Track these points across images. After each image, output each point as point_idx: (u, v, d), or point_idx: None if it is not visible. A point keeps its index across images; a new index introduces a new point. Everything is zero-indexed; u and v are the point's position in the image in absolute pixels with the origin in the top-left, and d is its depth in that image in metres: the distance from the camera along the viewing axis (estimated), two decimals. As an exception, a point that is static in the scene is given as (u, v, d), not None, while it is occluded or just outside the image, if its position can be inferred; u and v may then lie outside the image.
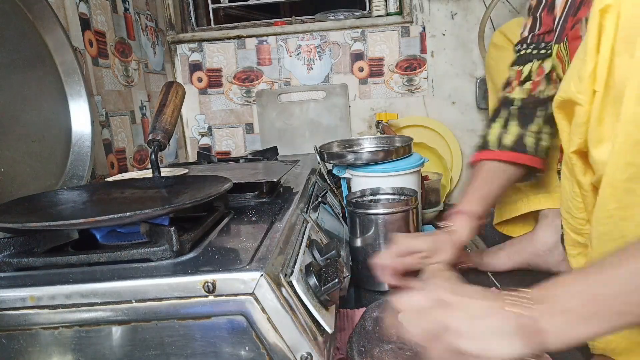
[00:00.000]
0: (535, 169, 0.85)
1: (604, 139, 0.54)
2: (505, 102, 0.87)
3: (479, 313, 0.47)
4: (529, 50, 0.86)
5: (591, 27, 0.53)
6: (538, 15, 0.84)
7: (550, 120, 0.85)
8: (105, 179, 0.90)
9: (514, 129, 0.84)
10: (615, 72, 0.52)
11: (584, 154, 0.60)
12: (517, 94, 0.85)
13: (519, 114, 0.84)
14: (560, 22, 0.76)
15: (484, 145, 0.87)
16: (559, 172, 0.92)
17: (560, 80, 0.83)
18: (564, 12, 0.76)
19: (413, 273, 0.77)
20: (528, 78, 0.85)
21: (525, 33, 0.87)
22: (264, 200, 0.75)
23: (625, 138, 0.51)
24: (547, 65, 0.83)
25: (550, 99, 0.83)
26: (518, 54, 0.88)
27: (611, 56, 0.52)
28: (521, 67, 0.86)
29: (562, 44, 0.75)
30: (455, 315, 0.47)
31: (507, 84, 0.88)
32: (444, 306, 0.48)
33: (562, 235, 0.88)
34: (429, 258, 0.77)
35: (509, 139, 0.83)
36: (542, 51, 0.84)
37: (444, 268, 0.75)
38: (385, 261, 0.76)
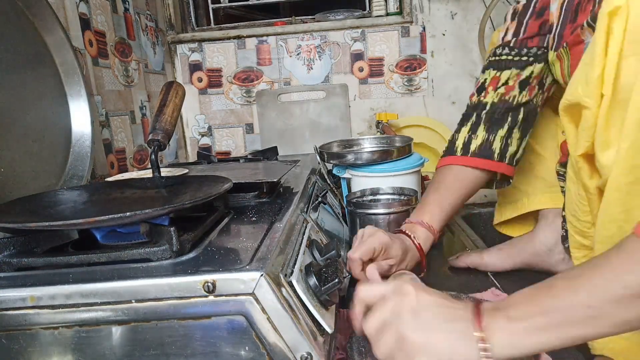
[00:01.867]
0: (503, 175, 0.85)
1: (611, 143, 0.54)
2: (477, 106, 0.86)
3: (426, 306, 0.48)
4: (509, 57, 0.84)
5: (599, 30, 0.53)
6: (525, 20, 0.83)
7: (520, 126, 0.83)
8: (105, 179, 0.90)
9: (481, 134, 0.83)
10: (623, 75, 0.52)
11: (590, 158, 0.60)
12: (491, 97, 0.84)
13: (489, 119, 0.83)
14: (558, 30, 0.76)
15: (450, 151, 0.86)
16: (557, 173, 0.92)
17: (540, 85, 0.83)
18: (560, 20, 0.75)
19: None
20: (505, 83, 0.83)
21: (508, 37, 0.85)
22: (264, 200, 0.75)
23: (631, 141, 0.51)
24: (525, 72, 0.82)
25: (521, 105, 0.83)
26: (498, 57, 0.86)
27: (619, 59, 0.52)
28: (499, 73, 0.84)
29: (561, 49, 0.75)
30: (408, 304, 0.48)
31: (481, 88, 0.86)
32: (400, 294, 0.50)
33: (562, 236, 0.88)
34: (398, 265, 0.77)
35: (475, 144, 0.83)
36: (524, 58, 0.82)
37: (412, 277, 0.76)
38: (363, 257, 0.74)
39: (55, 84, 0.88)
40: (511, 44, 0.85)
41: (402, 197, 0.96)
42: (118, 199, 0.66)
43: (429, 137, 1.56)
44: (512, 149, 0.83)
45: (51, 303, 0.45)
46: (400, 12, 1.57)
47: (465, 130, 0.86)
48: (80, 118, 0.90)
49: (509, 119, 0.83)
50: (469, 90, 1.59)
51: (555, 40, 0.76)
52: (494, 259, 0.96)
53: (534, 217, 0.99)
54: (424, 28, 1.57)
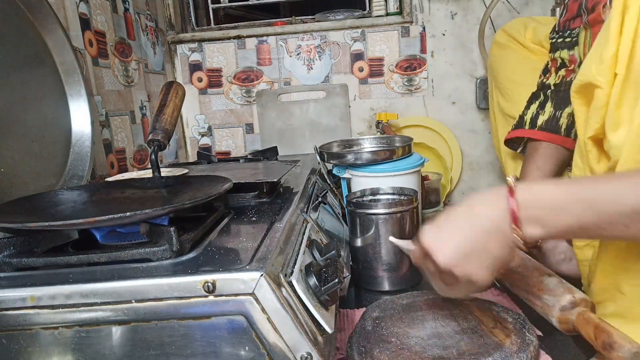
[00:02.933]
0: (567, 150, 0.88)
1: (622, 123, 0.54)
2: (542, 87, 0.90)
3: (453, 217, 0.54)
4: (558, 40, 0.89)
5: (615, 9, 0.53)
6: (566, 2, 0.86)
7: None
8: (105, 179, 0.90)
9: (549, 110, 0.87)
10: (637, 54, 0.52)
11: (599, 141, 0.60)
12: (553, 79, 0.89)
13: (555, 97, 0.87)
14: (584, 4, 0.77)
15: (519, 124, 0.91)
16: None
17: None
18: None
19: None
20: (562, 65, 0.87)
21: (558, 21, 0.90)
22: (264, 200, 0.75)
23: None
24: (577, 53, 0.85)
25: None
26: (550, 42, 0.91)
27: (634, 38, 0.52)
28: (554, 54, 0.89)
29: (585, 24, 0.76)
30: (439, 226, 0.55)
31: (545, 70, 0.91)
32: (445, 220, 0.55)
33: None
34: None
35: (542, 119, 0.87)
36: (568, 39, 0.86)
37: None
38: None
39: (55, 84, 0.88)
40: (557, 27, 0.89)
41: (402, 197, 0.96)
42: (118, 199, 0.66)
43: (429, 137, 1.56)
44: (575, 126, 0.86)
45: (51, 303, 0.45)
46: (400, 12, 1.57)
47: (534, 107, 0.90)
48: (80, 118, 0.90)
49: None
50: (469, 90, 1.60)
51: (585, 14, 0.78)
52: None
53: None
54: (424, 28, 1.57)
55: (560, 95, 0.87)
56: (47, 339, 0.46)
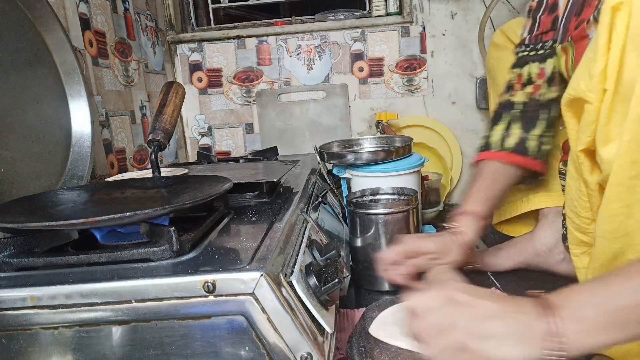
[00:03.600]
0: (536, 172, 0.86)
1: (612, 138, 0.54)
2: (507, 105, 0.87)
3: (492, 314, 0.47)
4: (526, 52, 0.86)
5: (602, 25, 0.53)
6: (538, 17, 0.85)
7: (552, 123, 0.85)
8: (105, 179, 0.90)
9: (516, 131, 0.84)
10: (625, 70, 0.52)
11: (591, 153, 0.60)
12: (519, 97, 0.86)
13: (522, 117, 0.85)
14: (563, 23, 0.76)
15: (486, 146, 0.87)
16: (560, 172, 0.92)
17: (562, 79, 0.83)
18: (566, 12, 0.76)
19: (417, 275, 0.78)
20: (529, 81, 0.85)
21: (524, 34, 0.88)
22: (264, 200, 0.75)
23: (632, 136, 0.51)
24: (548, 67, 0.83)
25: (553, 101, 0.84)
26: (517, 56, 0.88)
27: (622, 54, 0.52)
28: (520, 70, 0.86)
29: (566, 42, 0.75)
30: (467, 314, 0.47)
31: (509, 87, 0.88)
32: (454, 304, 0.48)
33: (562, 235, 0.88)
34: (437, 259, 0.77)
35: (511, 141, 0.84)
36: (540, 52, 0.84)
37: (449, 270, 0.76)
38: (390, 258, 0.77)
39: (55, 84, 0.88)
40: (526, 41, 0.87)
41: (403, 197, 0.96)
42: (118, 199, 0.66)
43: (429, 137, 1.56)
44: (545, 147, 0.84)
45: (51, 303, 0.45)
46: (400, 12, 1.57)
47: (499, 128, 0.87)
48: (80, 118, 0.90)
49: (543, 115, 0.84)
50: (469, 90, 1.60)
51: (560, 32, 0.77)
52: (494, 259, 0.96)
53: (534, 217, 0.99)
54: (424, 28, 1.57)
55: (528, 115, 0.84)
56: (47, 339, 0.46)
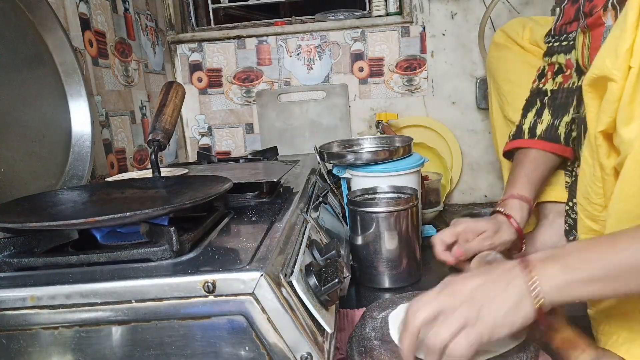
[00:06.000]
0: (566, 158, 0.88)
1: (635, 118, 0.53)
2: (538, 93, 0.89)
3: (478, 284, 0.51)
4: (553, 43, 0.88)
5: (631, 3, 0.53)
6: (563, 7, 0.86)
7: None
8: (105, 179, 0.90)
9: (547, 118, 0.86)
10: None
11: (609, 136, 0.60)
12: (550, 85, 0.88)
13: (552, 104, 0.86)
14: (582, 9, 0.76)
15: (517, 134, 0.89)
16: (565, 169, 0.92)
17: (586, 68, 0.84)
18: None
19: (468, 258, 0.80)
20: (560, 70, 0.87)
21: (554, 24, 0.90)
22: (264, 200, 0.75)
23: None
24: (574, 57, 0.84)
25: (581, 88, 0.84)
26: (547, 45, 0.90)
27: None
28: (550, 59, 0.89)
29: (583, 27, 0.75)
30: (458, 294, 0.51)
31: (541, 74, 0.90)
32: (446, 293, 0.52)
33: (565, 230, 0.88)
34: (490, 239, 0.79)
35: (541, 128, 0.86)
36: (565, 43, 0.86)
37: (496, 253, 0.79)
38: (446, 239, 0.79)
39: (55, 84, 0.88)
40: (552, 32, 0.89)
41: (402, 196, 0.96)
42: (118, 199, 0.66)
43: (429, 137, 1.56)
44: (574, 134, 0.85)
45: (51, 303, 0.45)
46: (400, 12, 1.57)
47: (530, 115, 0.89)
48: (80, 118, 0.90)
49: (572, 101, 0.85)
50: (469, 90, 1.60)
51: (582, 19, 0.77)
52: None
53: (534, 217, 0.99)
54: (424, 28, 1.57)
55: (557, 102, 0.86)
56: (47, 339, 0.46)
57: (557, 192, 0.93)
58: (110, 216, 0.48)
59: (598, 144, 0.62)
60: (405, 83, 1.61)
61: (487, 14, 1.44)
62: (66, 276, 0.47)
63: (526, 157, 0.88)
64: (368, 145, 1.23)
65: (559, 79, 0.87)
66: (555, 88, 0.87)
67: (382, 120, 1.53)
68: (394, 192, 0.99)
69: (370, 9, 1.64)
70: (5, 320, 0.45)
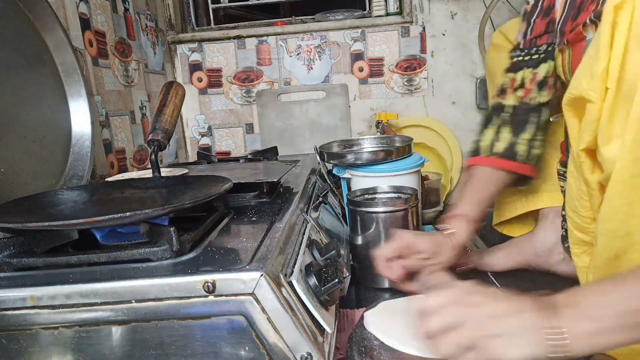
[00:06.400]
0: (525, 176, 0.86)
1: (615, 137, 0.54)
2: (497, 109, 0.87)
3: (499, 313, 0.48)
4: (520, 58, 0.86)
5: (605, 24, 0.53)
6: (532, 20, 0.84)
7: (543, 127, 0.85)
8: (105, 179, 0.90)
9: (505, 136, 0.85)
10: (628, 69, 0.52)
11: (592, 152, 0.60)
12: (510, 100, 0.86)
13: (512, 121, 0.85)
14: (559, 26, 0.76)
15: (476, 151, 0.87)
16: (558, 173, 0.92)
17: (555, 83, 0.83)
18: (563, 15, 0.76)
19: (408, 275, 0.78)
20: (521, 85, 0.85)
21: (519, 38, 0.87)
22: (264, 200, 0.75)
23: (635, 134, 0.51)
24: (541, 72, 0.83)
25: (543, 105, 0.84)
26: (512, 60, 0.88)
27: (624, 53, 0.52)
28: (514, 75, 0.86)
29: (562, 45, 0.75)
30: (475, 313, 0.48)
31: (502, 91, 0.88)
32: (463, 304, 0.49)
33: (562, 235, 0.88)
34: (429, 259, 0.78)
35: (500, 146, 0.84)
36: (535, 56, 0.84)
37: (441, 271, 0.76)
38: (385, 254, 0.77)
39: (55, 84, 0.88)
40: (521, 45, 0.87)
41: (403, 196, 0.96)
42: (118, 199, 0.66)
43: (429, 137, 1.56)
44: (535, 151, 0.84)
45: (51, 303, 0.45)
46: (400, 12, 1.57)
47: (489, 132, 0.87)
48: (80, 118, 0.90)
49: (533, 119, 0.84)
50: (469, 90, 1.60)
51: (558, 36, 0.77)
52: (494, 259, 0.96)
53: (533, 217, 0.99)
54: (424, 28, 1.57)
55: (518, 119, 0.85)
56: (47, 339, 0.46)
57: (553, 198, 0.93)
58: (110, 216, 0.48)
59: (581, 161, 0.62)
60: (405, 83, 1.61)
61: (487, 14, 1.44)
62: (66, 276, 0.47)
63: (477, 175, 0.86)
64: (368, 145, 1.23)
65: (520, 92, 0.85)
66: (516, 104, 0.85)
67: (382, 120, 1.52)
68: (394, 192, 0.99)
69: (370, 9, 1.64)
70: (5, 320, 0.45)
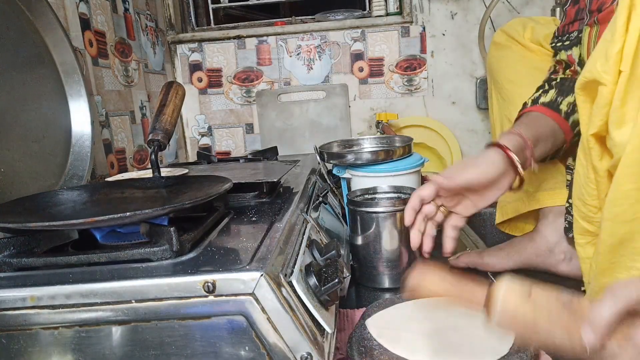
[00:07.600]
0: (563, 138, 0.82)
1: (626, 121, 0.53)
2: (549, 80, 0.89)
3: None
4: (557, 44, 0.89)
5: (621, 5, 0.53)
6: (565, 9, 0.87)
7: None
8: (105, 179, 0.90)
9: (552, 93, 0.85)
10: None
11: (602, 139, 0.59)
12: (561, 75, 0.88)
13: (558, 85, 0.86)
14: (588, 7, 0.77)
15: (523, 106, 0.87)
16: (567, 167, 0.92)
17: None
18: None
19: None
20: (567, 66, 0.88)
21: (558, 27, 0.90)
22: (264, 200, 0.75)
23: None
24: (575, 53, 0.85)
25: None
26: (552, 46, 0.91)
27: None
28: (558, 58, 0.89)
29: (592, 22, 0.75)
30: None
31: (554, 71, 0.91)
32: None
33: (565, 227, 0.88)
34: (482, 194, 0.71)
35: (546, 98, 0.84)
36: (567, 42, 0.86)
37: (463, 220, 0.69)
38: (420, 200, 0.70)
39: (55, 84, 0.88)
40: (556, 33, 0.89)
41: (403, 196, 0.96)
42: (118, 199, 0.66)
43: (429, 137, 1.56)
44: (574, 116, 0.82)
45: (51, 303, 0.45)
46: (400, 12, 1.57)
47: (537, 92, 0.87)
48: (80, 118, 0.90)
49: None
50: (469, 90, 1.60)
51: (587, 17, 0.78)
52: (494, 259, 0.96)
53: (535, 216, 0.99)
54: (424, 28, 1.57)
55: (564, 86, 0.85)
56: (47, 339, 0.46)
57: (556, 197, 0.93)
58: (110, 216, 0.48)
59: (590, 147, 0.61)
60: (405, 83, 1.61)
61: (487, 14, 1.44)
62: (66, 276, 0.47)
63: (528, 117, 0.82)
64: (368, 145, 1.23)
65: (568, 72, 0.88)
66: (565, 77, 0.87)
67: (382, 120, 1.53)
68: (394, 192, 0.99)
69: (370, 9, 1.64)
70: (5, 320, 0.45)
